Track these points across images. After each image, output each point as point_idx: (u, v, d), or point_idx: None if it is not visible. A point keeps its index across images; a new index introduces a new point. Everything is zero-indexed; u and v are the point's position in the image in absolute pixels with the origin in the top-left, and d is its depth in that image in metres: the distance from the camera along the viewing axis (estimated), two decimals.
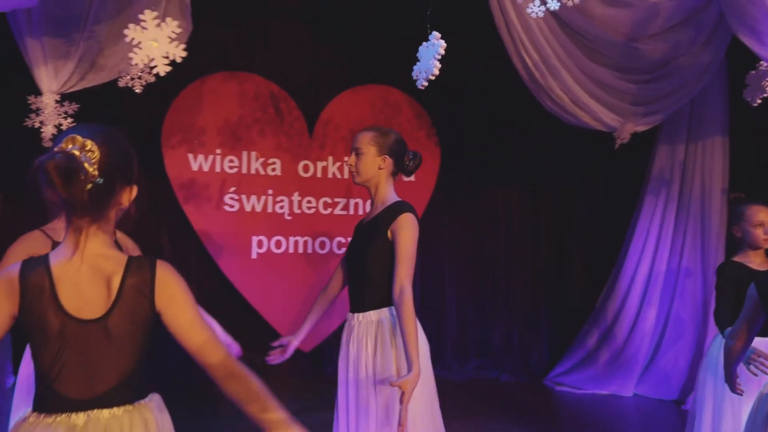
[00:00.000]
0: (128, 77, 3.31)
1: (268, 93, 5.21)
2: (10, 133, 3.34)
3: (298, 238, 5.25)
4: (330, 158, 5.37)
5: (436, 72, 2.87)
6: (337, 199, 5.36)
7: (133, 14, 3.28)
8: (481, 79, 5.38)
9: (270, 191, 5.19)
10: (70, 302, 1.36)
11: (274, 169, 5.21)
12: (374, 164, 2.53)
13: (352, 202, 5.40)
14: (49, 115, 3.14)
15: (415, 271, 5.21)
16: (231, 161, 5.10)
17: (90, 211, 1.37)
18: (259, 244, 5.16)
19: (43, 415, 1.37)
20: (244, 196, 5.12)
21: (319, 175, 5.33)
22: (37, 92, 3.19)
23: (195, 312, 1.46)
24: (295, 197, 5.26)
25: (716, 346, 2.93)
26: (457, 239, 5.80)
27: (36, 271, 1.37)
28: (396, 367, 2.41)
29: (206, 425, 4.18)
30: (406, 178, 5.27)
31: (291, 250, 5.24)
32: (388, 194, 2.57)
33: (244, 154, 5.14)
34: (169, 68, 2.55)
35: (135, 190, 1.45)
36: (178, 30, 2.52)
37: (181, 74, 4.87)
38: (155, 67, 2.92)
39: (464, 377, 5.70)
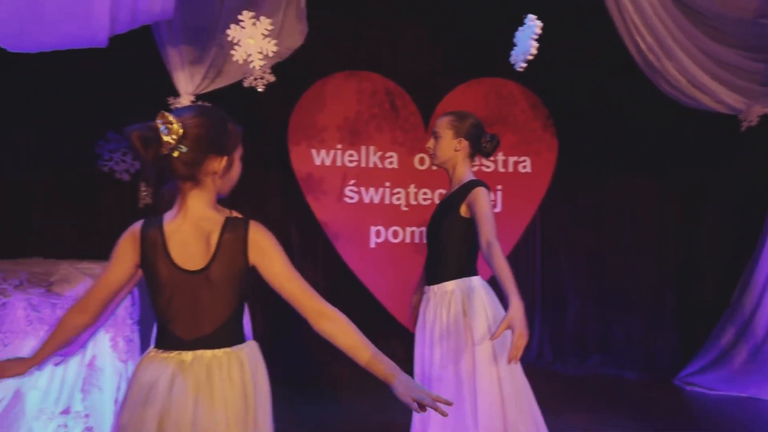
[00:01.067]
0: (251, 78, 3.66)
1: (384, 90, 5.44)
2: None
3: (414, 228, 5.43)
4: None
5: (534, 52, 2.92)
6: None
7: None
8: (597, 65, 5.27)
9: (387, 183, 5.42)
10: (177, 255, 1.62)
11: (391, 163, 5.44)
12: (450, 147, 2.70)
13: None
14: None
15: (533, 263, 5.20)
16: (351, 155, 5.39)
17: (185, 177, 1.62)
18: (377, 234, 5.40)
19: (160, 351, 1.63)
20: (363, 189, 5.39)
21: (434, 167, 5.45)
22: (176, 94, 3.61)
23: (285, 263, 1.67)
24: (411, 189, 5.45)
25: None
26: (577, 232, 5.71)
27: (152, 227, 1.65)
28: (467, 336, 2.51)
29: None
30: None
31: (407, 240, 5.43)
32: (464, 174, 2.71)
33: (363, 148, 5.41)
34: (263, 63, 2.82)
35: (225, 161, 1.67)
36: (270, 27, 2.79)
37: (305, 76, 5.33)
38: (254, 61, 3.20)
39: (585, 372, 5.60)
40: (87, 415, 2.91)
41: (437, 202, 5.45)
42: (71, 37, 2.64)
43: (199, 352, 1.62)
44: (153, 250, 1.62)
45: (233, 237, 1.64)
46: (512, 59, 3.10)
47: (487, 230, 2.46)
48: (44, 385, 2.70)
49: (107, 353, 2.91)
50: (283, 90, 5.30)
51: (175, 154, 1.57)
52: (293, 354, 5.36)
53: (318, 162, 5.34)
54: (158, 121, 1.56)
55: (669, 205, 5.67)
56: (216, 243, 1.63)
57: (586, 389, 5.06)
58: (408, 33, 5.47)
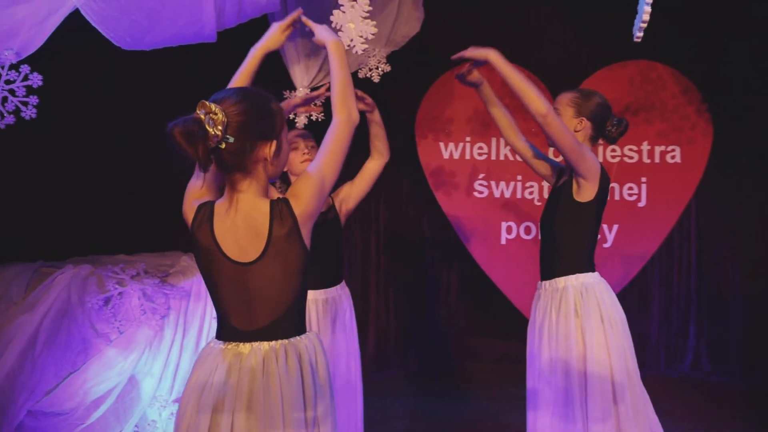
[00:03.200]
0: (366, 68, 3.58)
1: None
2: None
3: None
4: None
5: (647, 18, 2.55)
6: None
7: (375, 13, 3.54)
8: (757, 43, 4.63)
9: (519, 177, 5.13)
10: (230, 249, 1.55)
11: None
12: (570, 126, 2.41)
13: None
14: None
15: (687, 263, 4.53)
16: (480, 148, 5.17)
17: (234, 168, 1.53)
18: (509, 230, 5.13)
19: (219, 343, 1.57)
20: (493, 182, 5.14)
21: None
22: (292, 87, 3.61)
23: (321, 152, 1.64)
24: (545, 183, 5.10)
25: None
26: (737, 228, 5.06)
27: (204, 215, 1.59)
28: (578, 338, 2.24)
29: None
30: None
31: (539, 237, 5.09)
32: None
33: (493, 140, 5.16)
34: (365, 46, 2.69)
35: (274, 145, 1.57)
36: (369, 8, 2.66)
37: (433, 67, 5.19)
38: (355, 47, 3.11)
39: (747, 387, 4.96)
40: None
41: None
42: (181, 34, 2.70)
43: (257, 344, 1.56)
44: (204, 239, 1.57)
45: (281, 224, 1.54)
46: (634, 31, 2.74)
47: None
48: (158, 373, 2.80)
49: None
50: (410, 82, 5.24)
51: (222, 145, 1.49)
52: (427, 349, 5.26)
53: (446, 155, 5.18)
54: (200, 112, 1.48)
55: None
56: (267, 235, 1.55)
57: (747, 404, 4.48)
58: (542, 17, 5.14)
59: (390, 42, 3.61)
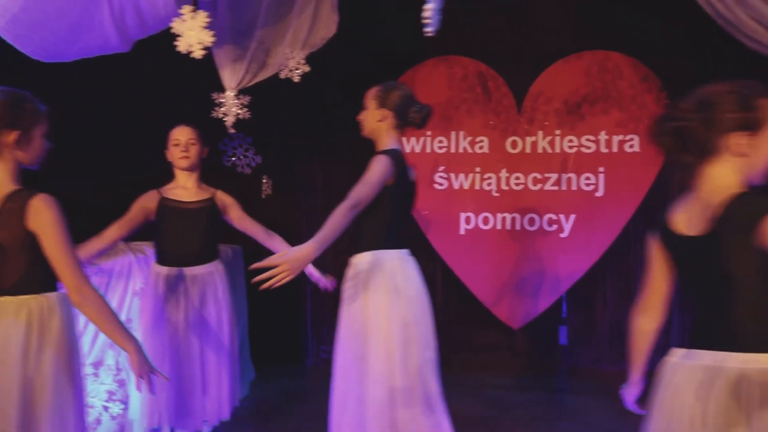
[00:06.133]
0: (287, 69, 3.90)
1: (475, 73, 5.32)
2: (202, 123, 4.19)
3: (505, 214, 5.23)
4: (540, 133, 5.21)
5: (428, 14, 2.71)
6: (547, 175, 5.17)
7: (292, 19, 3.87)
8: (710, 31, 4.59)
9: (478, 169, 5.29)
10: None
11: (481, 147, 5.30)
12: (374, 118, 2.66)
13: (564, 177, 5.14)
14: (230, 107, 3.89)
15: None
16: (440, 142, 5.37)
17: None
18: (467, 221, 5.30)
19: None
20: (452, 175, 5.33)
21: (528, 150, 5.22)
22: (222, 89, 3.98)
23: (58, 240, 1.92)
24: (503, 174, 5.26)
25: None
26: None
27: None
28: (364, 308, 2.47)
29: None
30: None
31: (498, 227, 5.25)
32: (387, 146, 2.66)
33: (453, 134, 5.35)
34: (204, 52, 3.00)
35: (17, 135, 1.94)
36: (207, 19, 2.96)
37: (398, 65, 5.42)
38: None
39: None
40: (119, 370, 3.39)
41: (530, 186, 5.22)
42: (89, 47, 3.10)
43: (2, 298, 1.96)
44: None
45: (14, 206, 1.91)
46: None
47: (354, 190, 2.45)
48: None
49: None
50: (377, 79, 5.48)
51: None
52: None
53: (409, 149, 5.40)
54: None
55: None
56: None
57: None
58: (499, 11, 5.28)
59: (308, 45, 3.90)
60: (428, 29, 2.75)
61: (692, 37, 4.74)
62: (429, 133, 5.38)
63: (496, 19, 5.29)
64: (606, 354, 5.30)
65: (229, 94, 3.93)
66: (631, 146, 5.06)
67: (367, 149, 5.52)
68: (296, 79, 3.90)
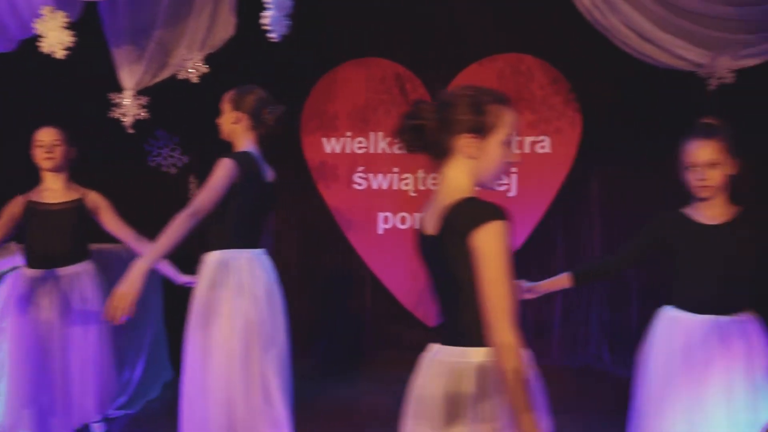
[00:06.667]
0: (184, 70, 3.94)
1: (393, 75, 5.40)
2: (100, 123, 4.21)
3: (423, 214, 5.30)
4: None
5: (267, 21, 2.77)
6: None
7: (190, 20, 3.91)
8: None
9: (395, 169, 5.38)
10: None
11: (400, 148, 5.35)
12: (228, 120, 2.73)
13: None
14: (129, 107, 3.92)
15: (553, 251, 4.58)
16: (360, 142, 5.44)
17: None
18: (385, 220, 5.38)
19: None
20: (371, 175, 5.41)
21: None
22: (120, 89, 4.01)
23: None
24: (420, 174, 5.34)
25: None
26: (605, 217, 5.16)
27: None
28: (212, 305, 2.57)
29: None
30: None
31: (416, 226, 5.31)
32: (242, 149, 2.72)
33: (372, 135, 5.42)
34: (66, 52, 3.04)
35: None
36: (66, 19, 3.00)
37: (318, 66, 5.49)
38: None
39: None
40: None
41: None
42: None
43: None
44: None
45: None
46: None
47: (195, 197, 2.51)
48: None
49: None
50: (296, 82, 5.55)
51: None
52: (333, 337, 5.50)
53: (329, 150, 5.47)
54: None
55: None
56: None
57: None
58: (415, 14, 5.36)
59: (207, 45, 3.94)
60: (272, 35, 2.81)
61: (598, 40, 4.85)
62: (349, 134, 5.45)
63: (413, 22, 5.37)
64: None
65: (127, 94, 3.95)
66: (542, 147, 5.18)
67: (283, 147, 5.57)
68: (194, 80, 3.94)
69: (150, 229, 3.57)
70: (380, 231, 5.39)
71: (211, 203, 2.50)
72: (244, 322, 2.55)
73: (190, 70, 3.91)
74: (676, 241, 2.30)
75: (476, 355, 1.58)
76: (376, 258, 5.38)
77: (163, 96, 4.18)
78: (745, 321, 2.21)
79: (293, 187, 5.58)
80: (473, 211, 1.58)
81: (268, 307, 2.64)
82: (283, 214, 5.62)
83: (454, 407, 1.55)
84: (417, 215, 5.31)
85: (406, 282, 5.33)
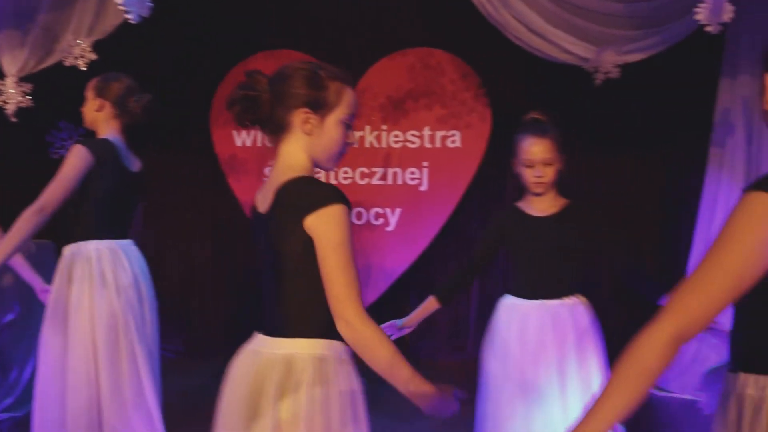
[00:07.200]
0: (71, 57, 3.77)
1: None
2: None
3: None
4: (367, 128, 5.28)
5: None
6: (374, 169, 5.25)
7: (79, 3, 3.74)
8: None
9: None
10: None
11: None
12: (91, 108, 2.64)
13: (390, 171, 5.23)
14: (11, 94, 3.73)
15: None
16: None
17: None
18: None
19: None
20: None
21: (355, 145, 5.24)
22: (1, 76, 3.81)
23: None
24: None
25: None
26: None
27: None
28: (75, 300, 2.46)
29: None
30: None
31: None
32: (103, 136, 2.64)
33: None
34: None
35: None
36: None
37: (227, 58, 5.37)
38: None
39: None
40: None
41: (358, 181, 5.28)
42: None
43: None
44: None
45: None
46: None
47: (44, 191, 2.42)
48: None
49: None
50: (206, 75, 5.43)
51: None
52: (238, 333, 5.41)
53: (239, 143, 5.36)
54: None
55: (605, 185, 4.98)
56: None
57: None
58: (326, 7, 5.31)
59: (94, 31, 3.78)
60: (129, 16, 2.71)
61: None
62: None
63: (325, 15, 5.31)
64: (444, 344, 5.44)
65: (9, 81, 3.76)
66: (453, 142, 5.19)
67: (185, 144, 5.44)
68: (82, 67, 3.78)
69: (54, 221, 3.41)
70: None
71: (61, 195, 2.39)
72: (107, 316, 2.44)
73: (77, 57, 3.74)
74: (512, 234, 2.45)
75: (293, 346, 1.50)
76: None
77: (66, 85, 4.02)
78: (574, 304, 2.35)
79: (204, 182, 5.47)
80: (311, 193, 1.49)
81: (135, 300, 2.54)
82: (195, 210, 5.50)
83: (259, 402, 1.47)
84: None
85: None
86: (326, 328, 1.48)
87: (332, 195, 1.48)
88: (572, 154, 4.93)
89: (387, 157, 5.22)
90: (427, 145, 5.22)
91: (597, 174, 4.89)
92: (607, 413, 1.16)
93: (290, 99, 1.58)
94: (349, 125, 1.63)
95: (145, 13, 2.82)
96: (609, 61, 3.31)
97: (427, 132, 5.21)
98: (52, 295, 2.52)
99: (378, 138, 5.26)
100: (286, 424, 1.44)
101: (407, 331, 2.47)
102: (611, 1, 3.31)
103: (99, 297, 2.45)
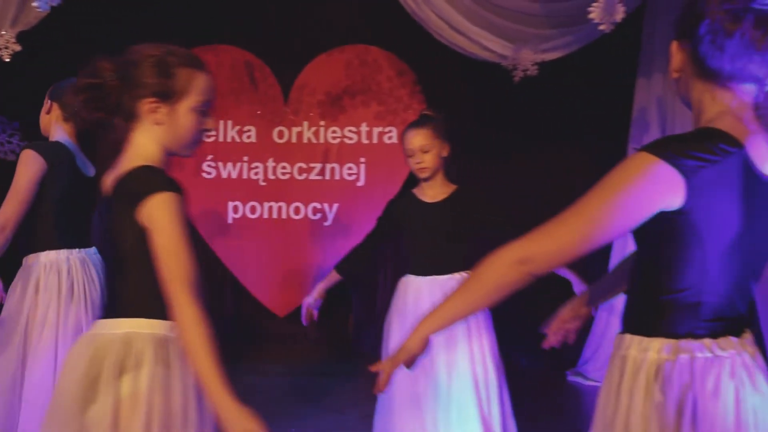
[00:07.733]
0: None
1: (243, 63, 5.35)
2: None
3: (272, 203, 5.30)
4: (305, 123, 5.32)
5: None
6: (312, 165, 5.30)
7: None
8: None
9: (245, 158, 5.33)
10: None
11: (249, 137, 5.34)
12: (43, 111, 2.68)
13: (328, 167, 5.29)
14: None
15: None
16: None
17: None
18: (235, 210, 5.33)
19: None
20: (220, 164, 5.33)
21: (294, 140, 5.32)
22: None
23: None
24: (270, 163, 5.32)
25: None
26: None
27: None
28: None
29: None
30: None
31: (266, 216, 5.31)
32: (55, 139, 2.66)
33: (221, 123, 5.34)
34: None
35: None
36: None
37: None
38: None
39: None
40: None
41: (296, 176, 5.33)
42: None
43: None
44: None
45: None
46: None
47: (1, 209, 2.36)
48: None
49: None
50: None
51: None
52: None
53: None
54: None
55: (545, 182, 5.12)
56: None
57: None
58: (267, 2, 5.34)
59: (19, 22, 3.75)
60: (35, 4, 2.71)
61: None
62: None
63: (263, 11, 5.33)
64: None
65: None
66: (390, 138, 5.28)
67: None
68: (6, 58, 3.74)
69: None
70: (230, 221, 5.32)
71: (21, 209, 2.32)
72: (73, 332, 2.36)
73: (2, 48, 3.70)
74: (405, 218, 2.70)
75: (132, 325, 1.50)
76: (225, 247, 5.31)
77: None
78: (461, 278, 2.53)
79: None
80: (144, 181, 1.49)
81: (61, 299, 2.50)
82: None
83: (97, 384, 1.44)
84: (267, 204, 5.31)
85: (255, 271, 5.29)
86: (167, 311, 1.47)
87: (162, 183, 1.49)
88: (493, 149, 5.12)
89: (325, 153, 5.28)
90: (365, 141, 5.29)
91: (520, 168, 5.02)
92: (444, 313, 1.38)
93: (137, 88, 1.54)
94: (204, 111, 1.60)
95: (54, 2, 2.80)
96: (527, 59, 3.43)
97: (364, 128, 5.29)
98: (6, 304, 2.45)
99: (316, 134, 5.31)
100: (126, 401, 1.43)
101: (319, 302, 2.75)
102: (529, 1, 3.43)
103: (66, 311, 2.39)
